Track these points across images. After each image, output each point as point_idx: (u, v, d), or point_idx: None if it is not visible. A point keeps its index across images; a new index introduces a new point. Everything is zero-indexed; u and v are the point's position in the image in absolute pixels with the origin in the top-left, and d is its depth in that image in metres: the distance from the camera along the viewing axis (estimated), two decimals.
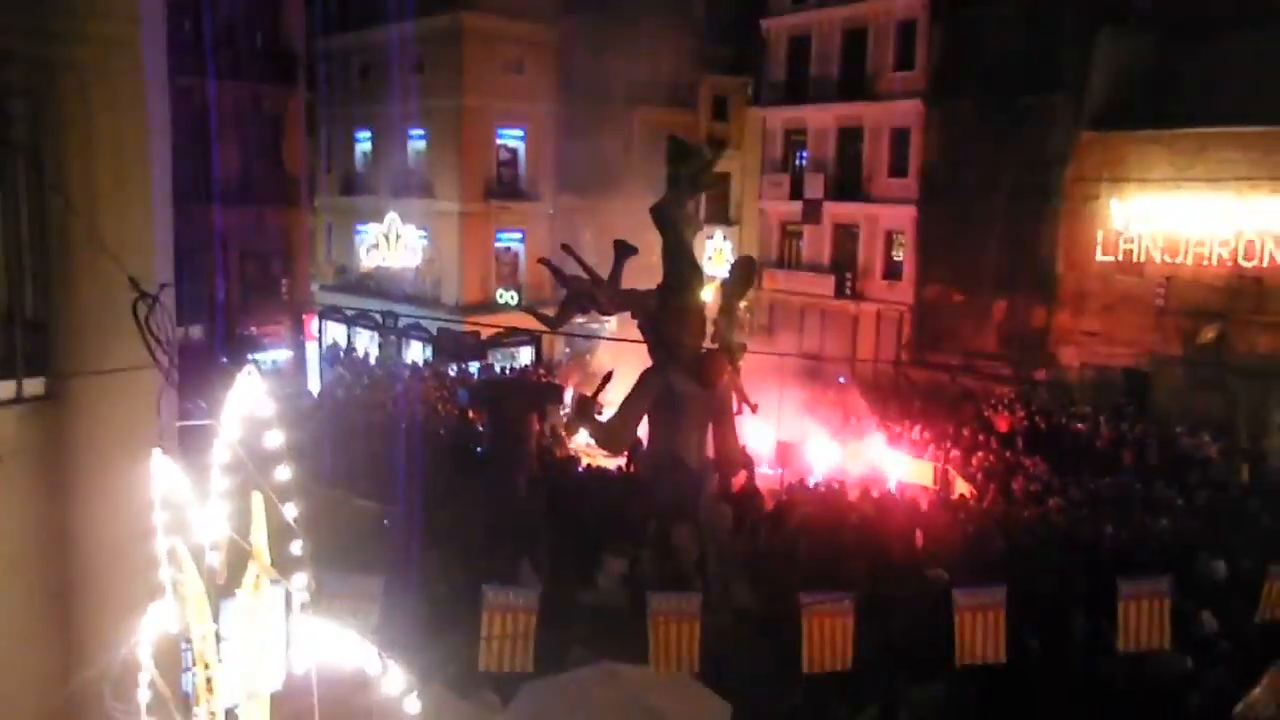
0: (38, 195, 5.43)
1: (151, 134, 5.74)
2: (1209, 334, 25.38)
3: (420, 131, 36.96)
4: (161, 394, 5.40)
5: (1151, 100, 25.89)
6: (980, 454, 20.84)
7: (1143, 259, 26.56)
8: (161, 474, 4.44)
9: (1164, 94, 25.66)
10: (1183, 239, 25.77)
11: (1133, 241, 26.69)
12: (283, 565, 3.98)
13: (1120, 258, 26.97)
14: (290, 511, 3.94)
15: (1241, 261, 24.82)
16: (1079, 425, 22.95)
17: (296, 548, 4.07)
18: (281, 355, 29.36)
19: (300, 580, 3.99)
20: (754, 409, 17.13)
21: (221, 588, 4.12)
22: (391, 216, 34.00)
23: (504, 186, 36.08)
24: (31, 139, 5.44)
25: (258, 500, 3.96)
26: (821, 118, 35.87)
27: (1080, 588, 11.60)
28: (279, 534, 4.01)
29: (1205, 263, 25.44)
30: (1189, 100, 24.93)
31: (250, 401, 4.04)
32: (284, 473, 3.92)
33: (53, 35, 5.58)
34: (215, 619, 4.08)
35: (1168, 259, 26.09)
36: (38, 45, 5.53)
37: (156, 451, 4.55)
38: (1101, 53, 27.46)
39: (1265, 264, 24.50)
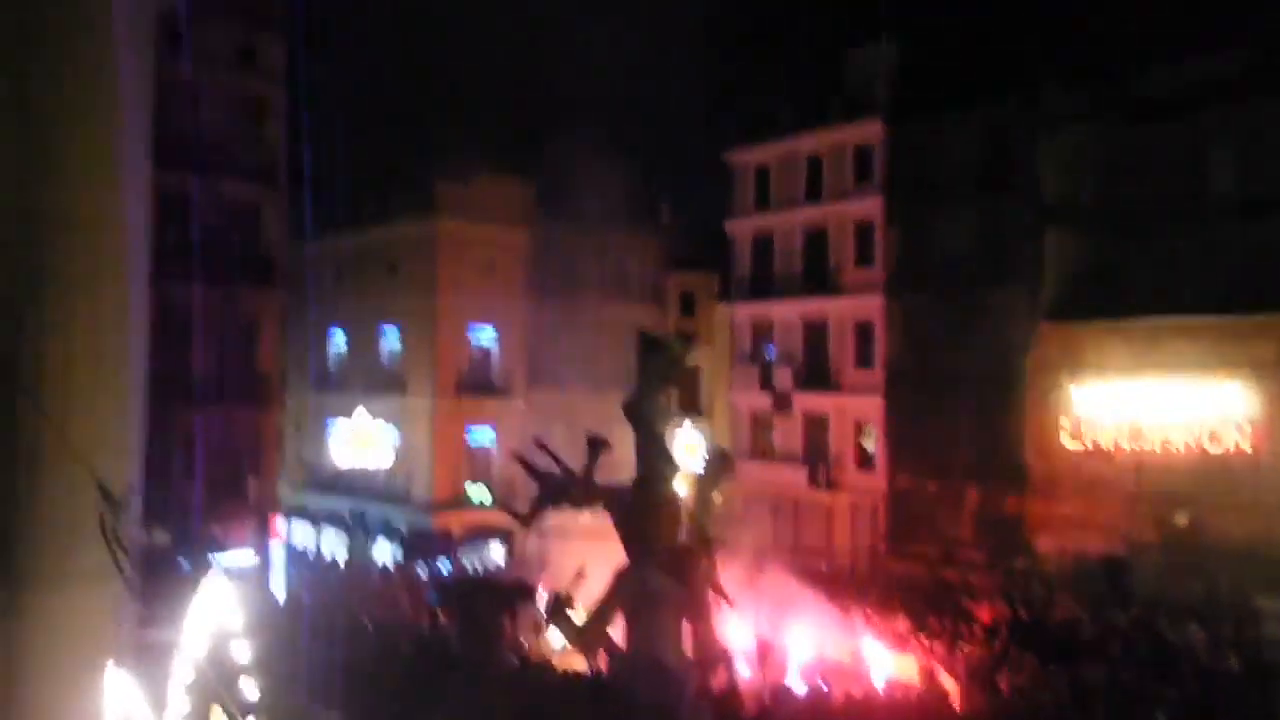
0: (8, 402, 5.38)
1: (131, 343, 5.76)
2: (1181, 519, 25.38)
3: (394, 328, 37.58)
4: (122, 604, 5.18)
5: (1103, 292, 26.81)
6: (964, 647, 20.30)
7: (1110, 446, 26.78)
8: (117, 690, 4.20)
9: (1114, 286, 26.61)
10: (1147, 425, 26.11)
11: (1099, 429, 27.00)
12: None
13: (1089, 445, 27.16)
14: None
15: (1208, 446, 25.07)
16: (1062, 616, 22.53)
17: None
18: (245, 557, 28.55)
19: None
20: (731, 604, 16.75)
21: None
22: (359, 411, 34.04)
23: (476, 381, 36.39)
24: (9, 347, 5.43)
25: (219, 717, 3.74)
26: (787, 312, 36.85)
27: None
28: None
29: (1173, 448, 25.68)
30: (1138, 293, 25.83)
31: (215, 612, 3.88)
32: (249, 689, 3.73)
33: (39, 246, 5.68)
34: None
35: (1135, 445, 26.32)
36: (24, 256, 5.61)
37: (110, 664, 4.32)
38: (1051, 248, 28.65)
39: (1231, 449, 24.76)
